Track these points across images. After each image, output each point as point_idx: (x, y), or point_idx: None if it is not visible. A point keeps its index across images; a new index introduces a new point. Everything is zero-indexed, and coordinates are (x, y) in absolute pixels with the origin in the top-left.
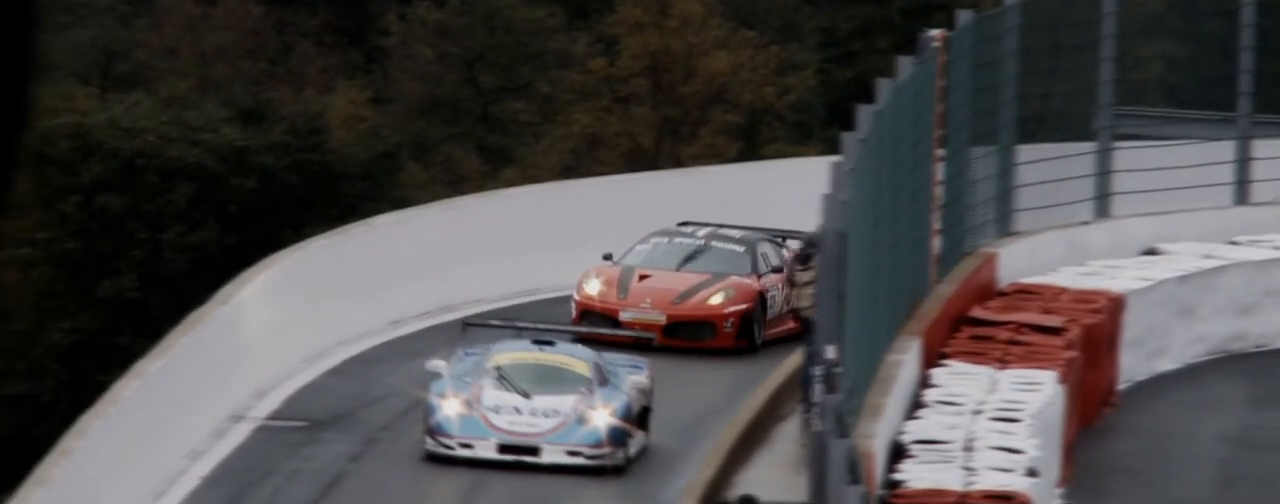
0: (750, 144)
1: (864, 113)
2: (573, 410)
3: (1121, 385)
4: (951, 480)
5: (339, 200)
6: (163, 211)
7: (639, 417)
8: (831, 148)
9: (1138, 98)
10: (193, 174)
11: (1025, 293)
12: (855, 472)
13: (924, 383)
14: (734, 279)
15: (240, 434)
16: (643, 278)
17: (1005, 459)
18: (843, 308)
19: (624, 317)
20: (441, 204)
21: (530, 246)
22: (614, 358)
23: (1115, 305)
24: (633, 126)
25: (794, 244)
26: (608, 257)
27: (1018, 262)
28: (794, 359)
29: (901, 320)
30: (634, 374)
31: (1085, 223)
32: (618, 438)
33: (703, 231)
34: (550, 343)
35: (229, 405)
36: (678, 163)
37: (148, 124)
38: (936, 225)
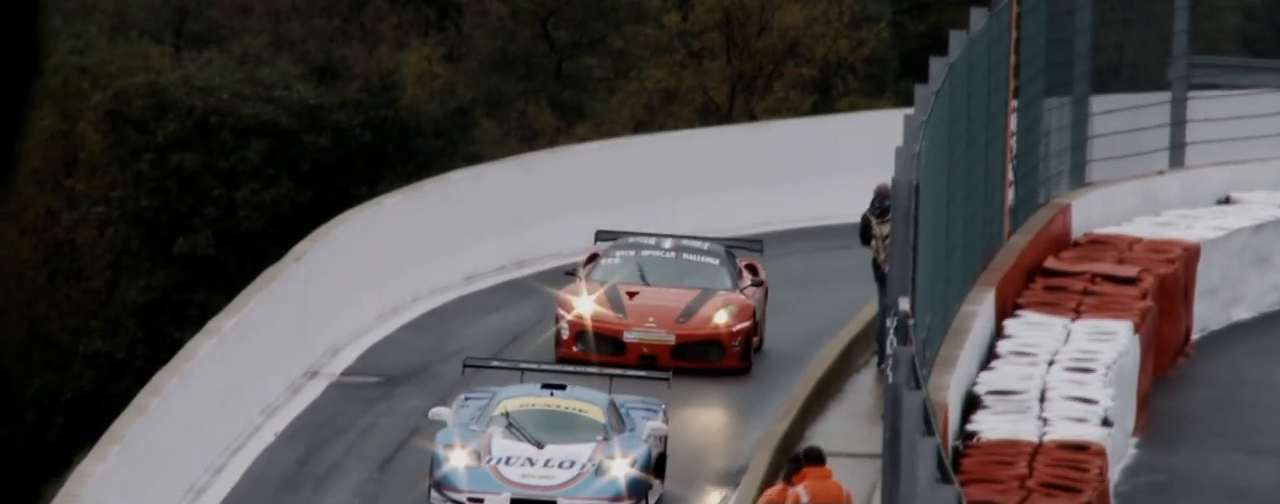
0: (824, 98)
1: (937, 65)
2: (590, 460)
3: (1196, 335)
4: (1026, 431)
5: (413, 157)
6: (237, 169)
7: (657, 465)
8: (905, 101)
9: (1213, 46)
10: (266, 131)
11: (1099, 243)
12: (929, 423)
13: (998, 334)
14: (724, 294)
15: (315, 390)
16: (631, 295)
17: (1080, 409)
18: (916, 260)
19: (629, 338)
20: (515, 160)
21: (604, 201)
22: (628, 401)
23: (1190, 255)
24: (706, 81)
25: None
26: (570, 272)
27: (1092, 212)
28: (867, 311)
29: (975, 272)
30: (651, 419)
31: (1160, 172)
32: (638, 490)
33: (667, 243)
34: (561, 387)
35: (304, 361)
36: (751, 117)
37: (221, 82)
38: (1010, 177)
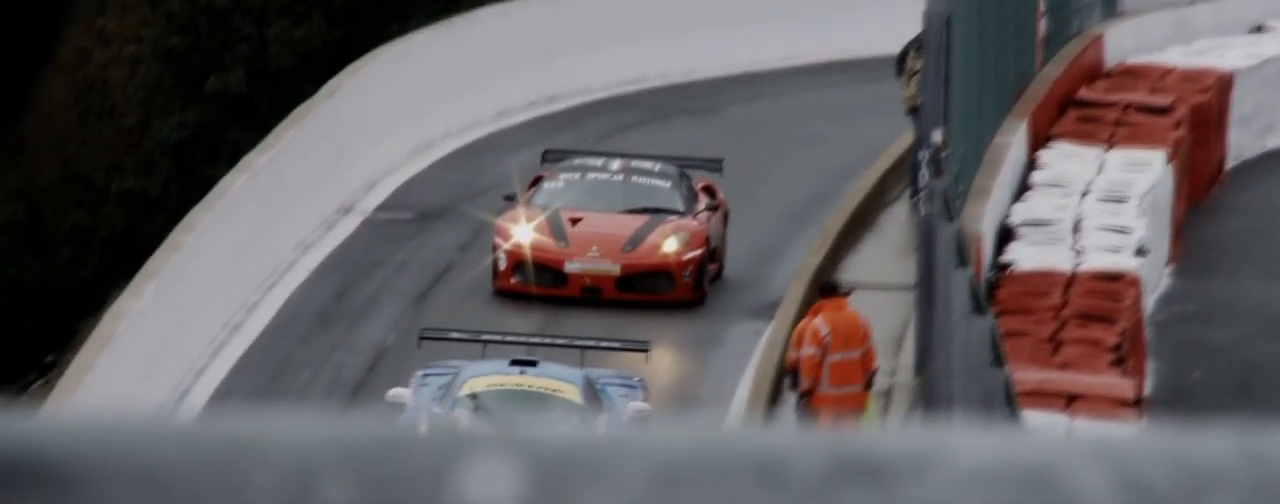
0: None
1: None
2: None
3: (1230, 163)
4: (1060, 261)
5: None
6: (268, 6)
7: None
8: None
9: None
10: None
11: (1132, 73)
12: (963, 255)
13: (1031, 165)
14: (675, 220)
15: (349, 226)
16: (574, 222)
17: (1114, 239)
18: (949, 92)
19: (570, 268)
20: None
21: (634, 35)
22: (603, 375)
23: (1223, 83)
24: None
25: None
26: (509, 197)
27: (1124, 42)
28: (901, 143)
29: (1008, 103)
30: (632, 399)
31: (1191, 1)
32: None
33: (615, 164)
34: (532, 363)
35: (337, 198)
36: None
37: None
38: (1042, 7)
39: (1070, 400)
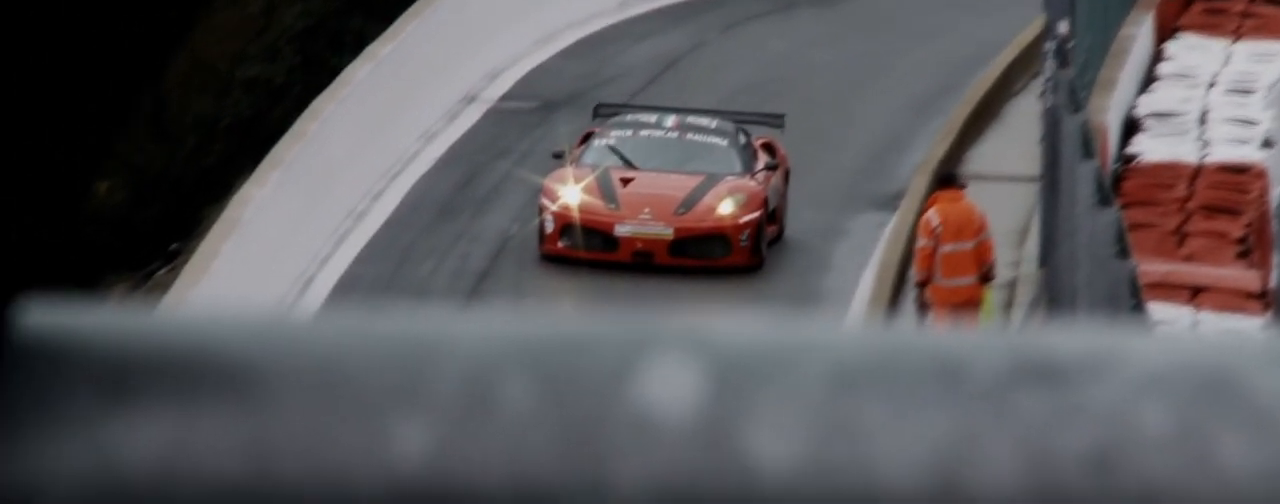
0: None
1: None
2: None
3: None
4: (1186, 153)
5: None
6: None
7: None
8: None
9: None
10: None
11: None
12: (1089, 146)
13: (1157, 56)
14: (732, 180)
15: (472, 116)
16: (625, 182)
17: (1240, 131)
18: None
19: (621, 232)
20: None
21: None
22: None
23: None
24: None
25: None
26: (558, 155)
27: None
28: (1027, 33)
29: None
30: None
31: None
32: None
33: (670, 120)
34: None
35: (461, 87)
36: None
37: None
38: None
39: (1195, 293)
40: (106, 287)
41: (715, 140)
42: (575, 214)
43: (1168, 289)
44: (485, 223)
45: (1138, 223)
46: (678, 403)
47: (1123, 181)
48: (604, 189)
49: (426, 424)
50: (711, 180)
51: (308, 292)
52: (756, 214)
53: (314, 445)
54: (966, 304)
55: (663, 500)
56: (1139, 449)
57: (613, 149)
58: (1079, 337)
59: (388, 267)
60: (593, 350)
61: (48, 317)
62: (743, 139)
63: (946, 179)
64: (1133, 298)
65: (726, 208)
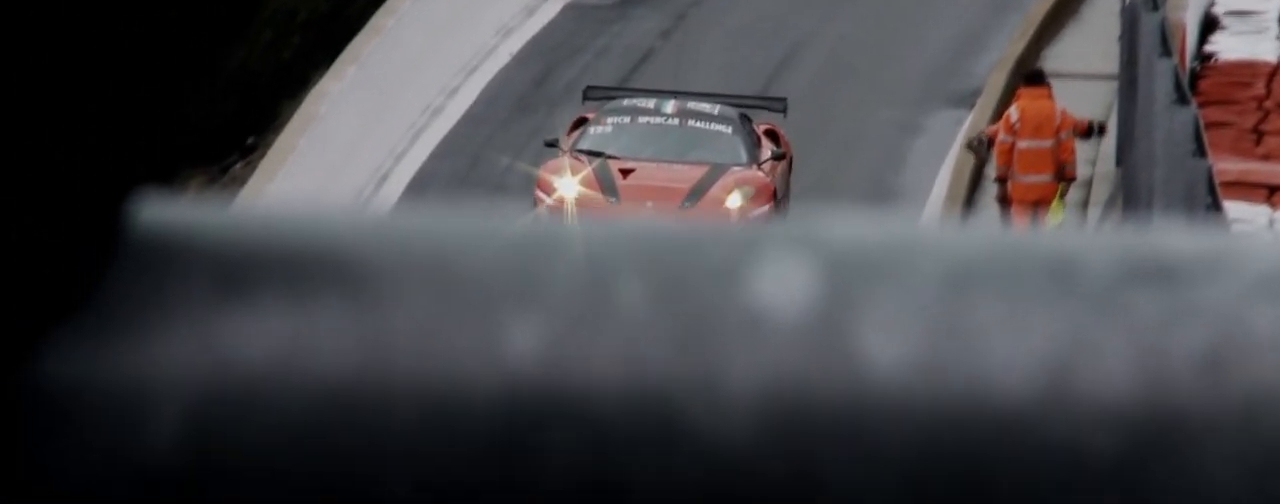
0: None
1: None
2: None
3: None
4: (1264, 51)
5: None
6: None
7: None
8: None
9: None
10: None
11: None
12: (1166, 44)
13: None
14: (739, 171)
15: (550, 11)
16: (625, 173)
17: None
18: None
19: None
20: None
21: None
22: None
23: None
24: None
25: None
26: (551, 143)
27: None
28: None
29: None
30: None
31: None
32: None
33: (670, 106)
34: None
35: None
36: None
37: None
38: None
39: (1272, 191)
40: (182, 180)
41: (719, 127)
42: (572, 208)
43: (1244, 188)
44: (561, 119)
45: (1215, 121)
46: (790, 302)
47: (1200, 80)
48: (603, 181)
49: (541, 322)
50: (717, 171)
51: (383, 187)
52: (766, 207)
53: (429, 342)
54: (1042, 202)
55: (774, 399)
56: (1253, 350)
57: (609, 139)
58: (1192, 237)
59: (464, 162)
60: (706, 250)
61: (160, 212)
62: (747, 126)
63: (1032, 76)
64: (1209, 196)
65: (735, 201)
